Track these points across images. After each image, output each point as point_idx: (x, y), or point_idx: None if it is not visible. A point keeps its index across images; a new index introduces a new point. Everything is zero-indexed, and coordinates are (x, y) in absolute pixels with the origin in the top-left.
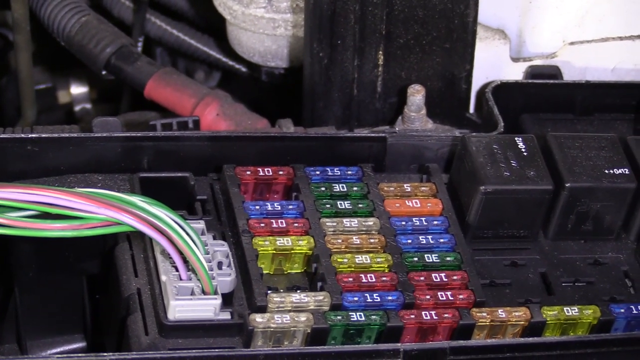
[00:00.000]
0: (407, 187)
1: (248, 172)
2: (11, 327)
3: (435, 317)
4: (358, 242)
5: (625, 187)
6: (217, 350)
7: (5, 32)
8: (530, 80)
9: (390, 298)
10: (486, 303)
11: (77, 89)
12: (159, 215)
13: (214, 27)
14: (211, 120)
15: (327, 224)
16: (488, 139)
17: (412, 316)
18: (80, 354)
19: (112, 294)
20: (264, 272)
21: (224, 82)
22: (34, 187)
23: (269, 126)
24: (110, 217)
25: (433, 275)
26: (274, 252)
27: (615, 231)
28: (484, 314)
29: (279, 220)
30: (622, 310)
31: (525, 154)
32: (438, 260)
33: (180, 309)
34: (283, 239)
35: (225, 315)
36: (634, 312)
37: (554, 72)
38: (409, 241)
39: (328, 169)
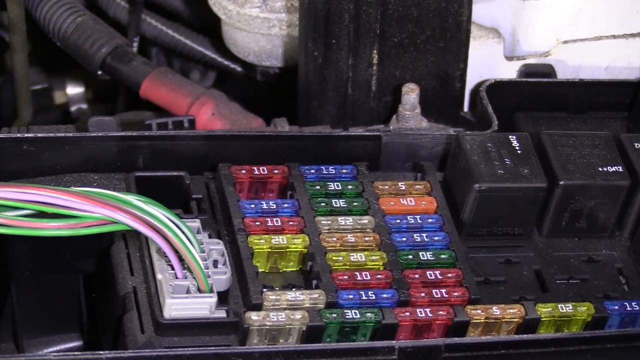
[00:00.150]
0: (402, 185)
1: (243, 171)
2: (8, 326)
3: (430, 315)
4: (353, 240)
5: (619, 185)
6: (212, 348)
7: (1, 32)
8: (524, 79)
9: (385, 296)
10: (481, 300)
11: (73, 89)
12: (155, 214)
13: (209, 27)
14: (206, 120)
15: (322, 222)
16: (482, 137)
17: (407, 314)
18: (76, 353)
19: (108, 292)
20: (260, 270)
21: (219, 82)
22: (30, 186)
23: (264, 125)
24: (106, 216)
25: (428, 272)
26: (270, 250)
27: (609, 228)
28: (479, 311)
29: (274, 219)
30: (616, 307)
31: (519, 152)
32: (433, 258)
33: (176, 307)
34: (278, 238)
35: (221, 314)
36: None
37: (548, 70)
38: (404, 239)
39: (323, 167)
